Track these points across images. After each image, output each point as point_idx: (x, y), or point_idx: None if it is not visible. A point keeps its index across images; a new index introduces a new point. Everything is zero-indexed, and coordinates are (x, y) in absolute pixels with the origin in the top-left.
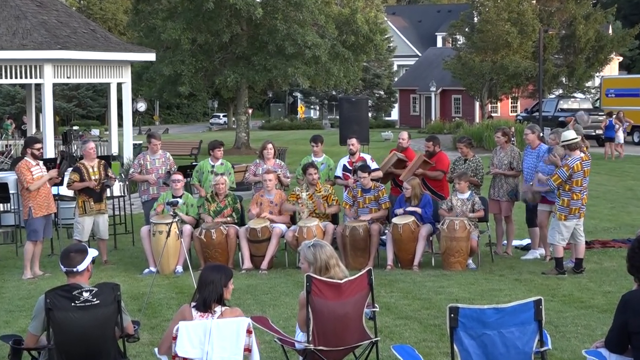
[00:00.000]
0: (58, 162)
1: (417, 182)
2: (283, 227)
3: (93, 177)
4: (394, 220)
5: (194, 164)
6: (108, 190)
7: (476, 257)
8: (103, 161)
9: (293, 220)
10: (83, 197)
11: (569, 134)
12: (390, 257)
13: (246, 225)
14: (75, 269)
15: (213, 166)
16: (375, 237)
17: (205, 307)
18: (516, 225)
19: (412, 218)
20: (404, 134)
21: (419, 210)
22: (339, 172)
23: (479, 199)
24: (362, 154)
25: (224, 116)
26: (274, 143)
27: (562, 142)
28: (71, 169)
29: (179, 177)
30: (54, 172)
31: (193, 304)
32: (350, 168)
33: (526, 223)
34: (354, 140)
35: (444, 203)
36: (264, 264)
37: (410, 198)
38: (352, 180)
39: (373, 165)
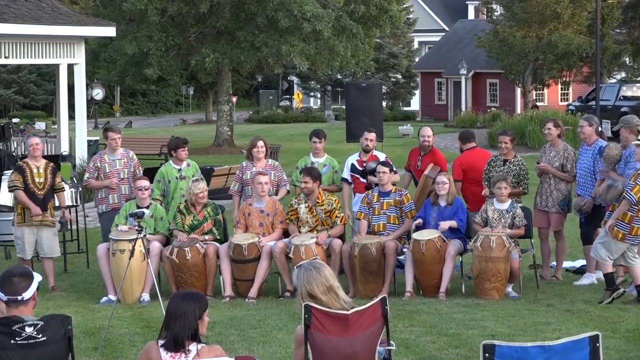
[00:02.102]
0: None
1: (450, 176)
2: (275, 243)
3: (37, 180)
4: (415, 235)
5: (163, 165)
6: (59, 197)
7: (517, 282)
8: (52, 164)
9: (288, 235)
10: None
11: None
12: (409, 281)
13: (228, 241)
14: (20, 298)
15: (180, 170)
16: (392, 258)
17: (176, 345)
18: (568, 242)
19: (438, 233)
20: (427, 130)
21: (454, 224)
22: (346, 173)
23: (522, 211)
24: (375, 152)
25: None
26: (265, 140)
27: None
28: (10, 171)
29: (145, 183)
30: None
31: (161, 342)
32: (360, 169)
33: (580, 239)
34: (372, 135)
35: (477, 214)
36: (253, 291)
37: (439, 199)
38: (362, 183)
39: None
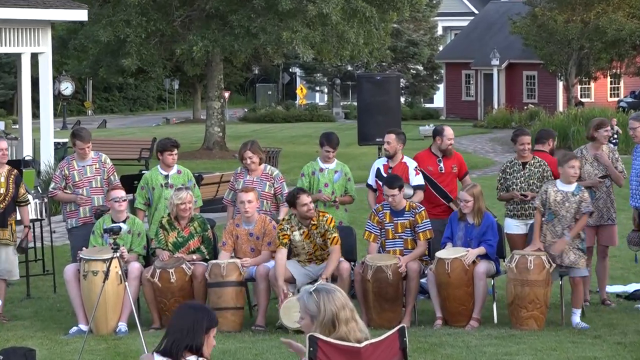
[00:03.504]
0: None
1: (479, 190)
2: (271, 264)
3: None
4: (439, 254)
5: (143, 172)
6: (22, 212)
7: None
8: (16, 172)
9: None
10: None
11: None
12: (438, 306)
13: (207, 264)
14: None
15: (167, 177)
16: (414, 281)
17: (172, 352)
18: (619, 263)
19: (464, 251)
20: (451, 131)
21: (482, 251)
22: (371, 179)
23: (589, 197)
24: (406, 159)
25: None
26: (257, 145)
27: None
28: None
29: (121, 193)
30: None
31: (157, 354)
32: (385, 175)
33: None
34: (390, 137)
35: (536, 197)
36: (260, 319)
37: (466, 216)
38: (372, 198)
39: (416, 180)
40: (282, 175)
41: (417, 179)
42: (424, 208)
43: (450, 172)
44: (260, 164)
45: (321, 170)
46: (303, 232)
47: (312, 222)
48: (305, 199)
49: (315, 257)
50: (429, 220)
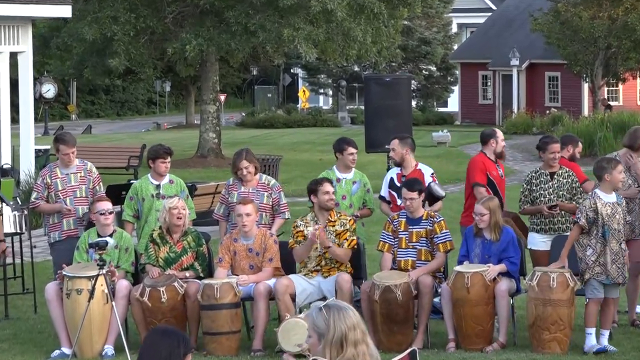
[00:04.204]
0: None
1: (496, 204)
2: (271, 282)
3: None
4: (458, 267)
5: (131, 182)
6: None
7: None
8: None
9: (293, 271)
10: None
11: None
12: (450, 326)
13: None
14: None
15: (158, 186)
16: (427, 297)
17: None
18: None
19: (485, 267)
20: (500, 132)
21: (503, 268)
22: (384, 190)
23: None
24: (420, 166)
25: None
26: (252, 154)
27: None
28: None
29: (107, 205)
30: None
31: None
32: (399, 185)
33: None
34: (394, 142)
35: (580, 213)
36: (257, 342)
37: (483, 231)
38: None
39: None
40: (279, 185)
41: (435, 187)
42: (443, 218)
43: (504, 179)
44: (255, 173)
45: (338, 180)
46: (318, 227)
47: (329, 218)
48: (328, 187)
49: (324, 260)
50: (448, 231)
